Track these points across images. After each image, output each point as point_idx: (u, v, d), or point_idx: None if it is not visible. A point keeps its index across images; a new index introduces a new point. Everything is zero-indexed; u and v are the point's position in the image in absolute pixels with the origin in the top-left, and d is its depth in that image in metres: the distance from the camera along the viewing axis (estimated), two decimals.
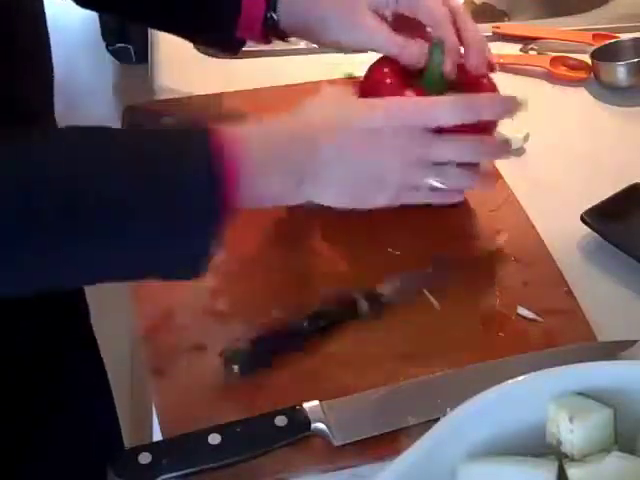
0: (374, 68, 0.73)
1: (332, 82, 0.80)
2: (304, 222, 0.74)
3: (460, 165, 0.66)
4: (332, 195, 0.64)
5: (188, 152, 0.56)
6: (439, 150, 0.64)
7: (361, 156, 0.63)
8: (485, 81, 0.72)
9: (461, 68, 0.71)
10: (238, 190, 0.56)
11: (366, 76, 0.73)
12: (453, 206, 0.71)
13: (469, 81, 0.71)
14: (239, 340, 0.63)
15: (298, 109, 0.64)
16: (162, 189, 0.54)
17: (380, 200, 0.65)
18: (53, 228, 0.52)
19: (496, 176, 0.80)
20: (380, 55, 0.74)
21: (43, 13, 0.71)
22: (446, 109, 0.64)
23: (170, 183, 0.54)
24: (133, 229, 0.54)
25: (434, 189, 0.66)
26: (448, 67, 0.70)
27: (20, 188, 0.51)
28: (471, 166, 0.68)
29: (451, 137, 0.64)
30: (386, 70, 0.71)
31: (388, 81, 0.70)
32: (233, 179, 0.56)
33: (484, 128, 0.68)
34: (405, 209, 0.76)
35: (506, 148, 0.71)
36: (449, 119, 0.64)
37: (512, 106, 0.67)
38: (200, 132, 0.57)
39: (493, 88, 0.73)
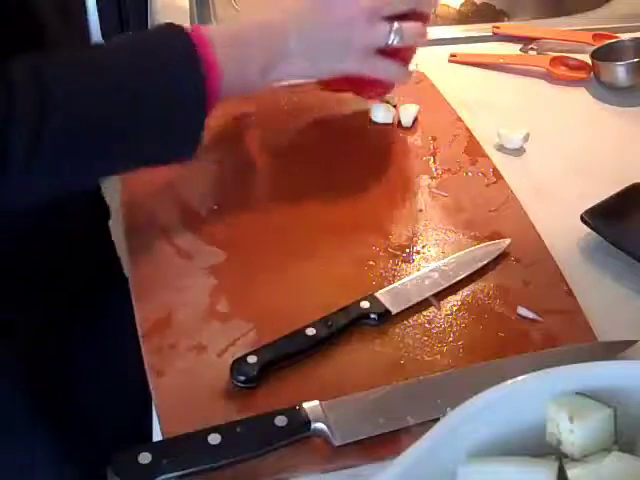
0: None
1: None
2: (304, 224, 0.74)
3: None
4: (297, 68, 0.72)
5: (172, 57, 0.63)
6: (387, 2, 0.72)
7: (319, 25, 0.71)
8: None
9: None
10: (216, 81, 0.64)
11: None
12: None
13: None
14: (239, 340, 0.63)
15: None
16: (159, 89, 0.63)
17: (344, 67, 0.74)
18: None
19: (497, 177, 0.81)
20: None
21: (81, 8, 0.78)
22: None
23: (163, 83, 0.63)
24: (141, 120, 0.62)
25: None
26: None
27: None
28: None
29: None
30: None
31: None
32: (212, 72, 0.64)
33: None
34: (403, 210, 0.76)
35: None
36: None
37: None
38: (179, 37, 0.64)
39: None
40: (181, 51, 0.63)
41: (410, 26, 0.74)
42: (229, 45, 0.67)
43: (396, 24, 0.73)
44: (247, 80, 0.69)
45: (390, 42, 0.73)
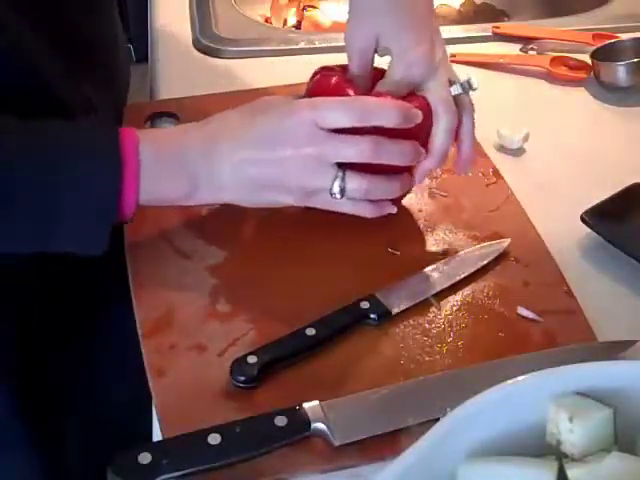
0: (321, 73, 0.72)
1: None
2: (304, 223, 0.74)
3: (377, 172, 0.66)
4: (229, 197, 0.67)
5: (92, 151, 0.61)
6: (333, 149, 0.64)
7: (256, 161, 0.64)
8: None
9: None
10: (134, 196, 0.62)
11: (311, 78, 0.72)
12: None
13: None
14: (239, 340, 0.63)
15: (213, 116, 0.67)
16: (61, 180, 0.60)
17: (282, 201, 0.67)
18: None
19: (496, 177, 0.81)
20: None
21: (114, 19, 0.80)
22: (335, 109, 0.64)
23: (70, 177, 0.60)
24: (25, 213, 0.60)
25: (355, 200, 0.67)
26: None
27: None
28: (393, 173, 0.68)
29: (348, 137, 0.64)
30: (332, 73, 0.71)
31: (333, 80, 0.69)
32: (129, 185, 0.62)
33: (415, 134, 0.67)
34: (403, 210, 0.76)
35: (418, 153, 0.68)
36: (337, 120, 0.64)
37: (408, 117, 0.65)
38: (105, 134, 0.62)
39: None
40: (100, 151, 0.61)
41: (363, 181, 0.66)
42: (155, 161, 0.63)
43: (340, 173, 0.64)
44: (167, 199, 0.66)
45: (333, 193, 0.65)
